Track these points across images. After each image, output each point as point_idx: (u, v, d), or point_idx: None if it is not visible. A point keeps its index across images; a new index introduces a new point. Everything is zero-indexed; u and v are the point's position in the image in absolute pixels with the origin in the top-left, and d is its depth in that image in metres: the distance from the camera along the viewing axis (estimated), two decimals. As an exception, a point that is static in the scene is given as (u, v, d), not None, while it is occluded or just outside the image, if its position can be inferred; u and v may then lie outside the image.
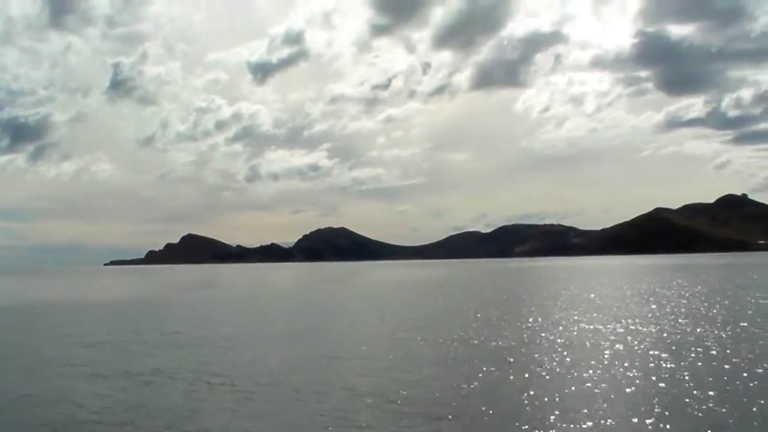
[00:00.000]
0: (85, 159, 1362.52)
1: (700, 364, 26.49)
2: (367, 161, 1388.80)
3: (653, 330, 37.51)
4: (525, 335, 36.52)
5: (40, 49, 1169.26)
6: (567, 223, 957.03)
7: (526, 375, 25.21)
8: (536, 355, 29.53)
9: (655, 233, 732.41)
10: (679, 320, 41.79)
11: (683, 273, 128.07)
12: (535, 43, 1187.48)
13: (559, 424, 18.19)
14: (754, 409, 19.11)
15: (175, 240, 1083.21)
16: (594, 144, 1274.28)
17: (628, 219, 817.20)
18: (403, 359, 29.69)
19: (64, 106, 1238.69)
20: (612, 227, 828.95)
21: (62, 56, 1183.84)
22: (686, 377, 23.81)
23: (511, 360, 28.58)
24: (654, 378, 23.79)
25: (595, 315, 46.32)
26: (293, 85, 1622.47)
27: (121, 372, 28.12)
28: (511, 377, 24.88)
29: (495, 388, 23.07)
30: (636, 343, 32.57)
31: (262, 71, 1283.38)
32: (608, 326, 39.61)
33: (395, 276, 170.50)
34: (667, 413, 18.91)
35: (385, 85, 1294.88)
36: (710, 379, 23.45)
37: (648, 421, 18.17)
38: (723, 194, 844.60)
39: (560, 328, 39.43)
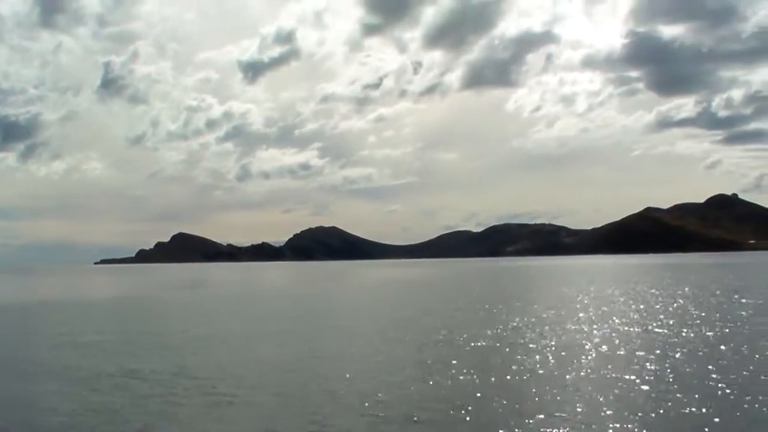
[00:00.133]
0: (75, 158, 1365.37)
1: (683, 364, 26.10)
2: (358, 160, 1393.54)
3: (638, 330, 37.21)
4: (510, 336, 36.08)
5: (30, 48, 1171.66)
6: (558, 222, 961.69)
7: (508, 377, 24.77)
8: (519, 357, 29.09)
9: (645, 233, 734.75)
10: (665, 320, 41.50)
11: (672, 273, 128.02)
12: (527, 42, 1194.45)
13: (539, 428, 17.75)
14: (738, 413, 18.75)
15: (166, 239, 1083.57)
16: (585, 144, 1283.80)
17: (618, 218, 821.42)
18: (386, 360, 29.25)
19: (54, 105, 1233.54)
20: (603, 227, 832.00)
21: (53, 55, 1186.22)
22: (669, 378, 23.45)
23: (494, 362, 28.14)
24: (637, 380, 23.41)
25: (581, 315, 45.98)
26: (284, 84, 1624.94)
27: (97, 373, 27.54)
28: (493, 379, 24.44)
29: (476, 390, 22.59)
30: (621, 343, 32.24)
31: (253, 70, 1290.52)
32: (594, 327, 39.30)
33: (384, 275, 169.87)
34: (651, 415, 18.52)
35: (377, 85, 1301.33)
36: (694, 381, 23.12)
37: (629, 425, 17.73)
38: (713, 194, 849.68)
39: (546, 328, 39.01)
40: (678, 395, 20.89)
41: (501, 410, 19.73)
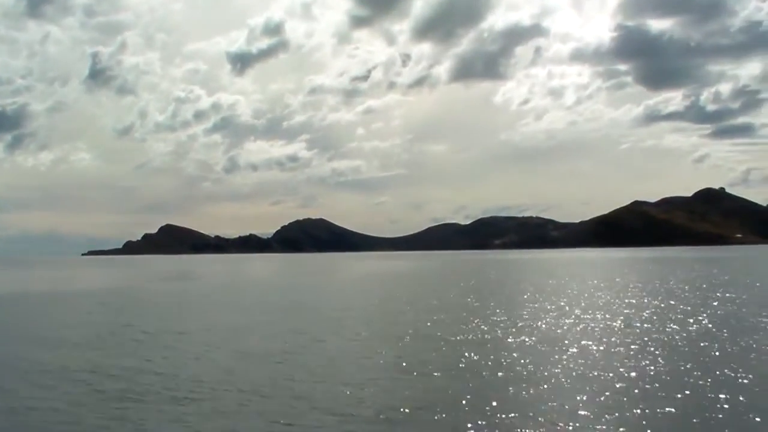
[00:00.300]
0: (63, 149, 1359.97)
1: (662, 360, 25.46)
2: (346, 152, 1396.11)
3: (619, 325, 36.62)
4: (489, 331, 35.34)
5: (18, 38, 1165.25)
6: (546, 215, 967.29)
7: (484, 373, 24.06)
8: (496, 353, 28.35)
9: (633, 226, 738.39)
10: (647, 315, 40.96)
11: (658, 266, 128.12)
12: (515, 35, 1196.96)
13: (511, 427, 17.03)
14: (717, 410, 18.06)
15: (154, 230, 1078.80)
16: (573, 137, 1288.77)
17: (606, 212, 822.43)
18: (363, 356, 28.46)
19: (42, 96, 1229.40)
20: (590, 220, 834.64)
21: (40, 45, 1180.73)
22: (648, 374, 22.78)
23: (471, 358, 27.41)
24: (615, 377, 22.71)
25: (563, 309, 45.33)
26: (273, 75, 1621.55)
27: (53, 370, 26.58)
28: (468, 375, 23.67)
29: (450, 388, 21.83)
30: (601, 339, 31.56)
31: (241, 62, 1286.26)
32: (575, 321, 38.65)
33: (370, 268, 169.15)
34: (627, 414, 17.83)
35: (365, 77, 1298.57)
36: (673, 377, 22.46)
37: (605, 424, 17.02)
38: (701, 188, 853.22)
39: (527, 323, 38.32)
40: (656, 392, 20.26)
41: (472, 408, 18.98)
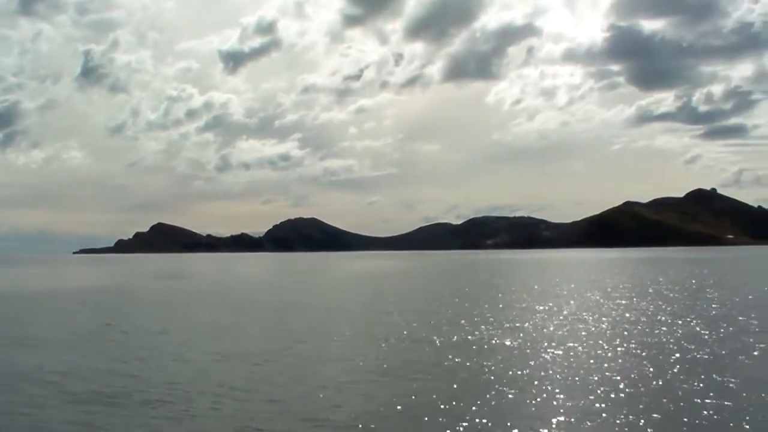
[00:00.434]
0: (54, 147, 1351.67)
1: (648, 362, 24.92)
2: (338, 152, 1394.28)
3: (607, 327, 36.16)
4: (475, 333, 34.72)
5: (9, 36, 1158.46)
6: (537, 215, 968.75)
7: (464, 376, 23.46)
8: (480, 357, 27.78)
9: (625, 227, 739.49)
10: (636, 316, 40.52)
11: (649, 267, 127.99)
12: (508, 35, 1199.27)
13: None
14: (701, 413, 17.50)
15: (145, 229, 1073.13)
16: (565, 137, 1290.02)
17: (598, 212, 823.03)
18: (339, 359, 27.74)
19: (33, 94, 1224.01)
20: (582, 220, 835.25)
21: (32, 43, 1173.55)
22: (633, 376, 22.23)
23: (453, 361, 26.78)
24: (599, 379, 22.16)
25: (552, 310, 44.84)
26: (265, 74, 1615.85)
27: (24, 371, 25.74)
28: (449, 380, 23.07)
29: (430, 393, 21.14)
30: (588, 341, 31.03)
31: (233, 60, 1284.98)
32: (562, 323, 38.19)
33: (360, 267, 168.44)
34: (610, 419, 17.25)
35: (358, 76, 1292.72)
36: (658, 380, 21.91)
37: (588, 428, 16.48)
38: (693, 189, 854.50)
39: (515, 325, 37.83)
40: (641, 396, 19.69)
41: (452, 413, 18.36)
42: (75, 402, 20.67)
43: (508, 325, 37.10)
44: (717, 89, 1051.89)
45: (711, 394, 19.91)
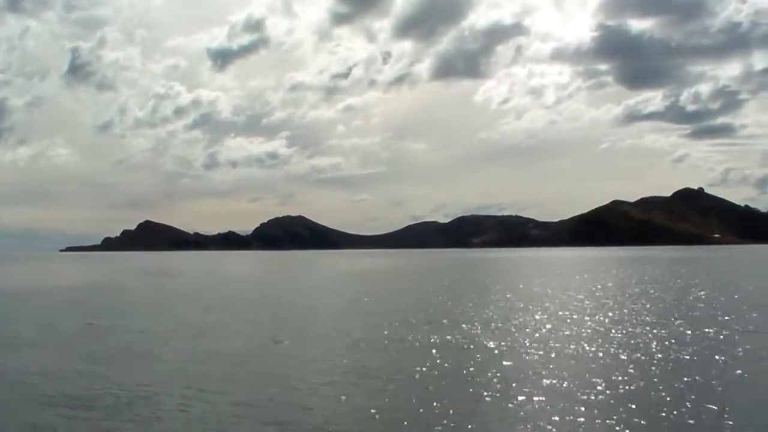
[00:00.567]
0: (41, 144, 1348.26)
1: (632, 363, 24.52)
2: (326, 150, 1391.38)
3: (592, 326, 35.79)
4: (454, 335, 34.23)
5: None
6: (525, 214, 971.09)
7: (443, 382, 22.97)
8: (462, 360, 27.36)
9: (612, 226, 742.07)
10: (621, 316, 40.19)
11: (636, 265, 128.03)
12: (496, 34, 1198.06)
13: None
14: (685, 415, 17.09)
15: (132, 227, 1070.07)
16: (553, 136, 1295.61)
17: (586, 211, 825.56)
18: (316, 360, 27.14)
19: (20, 90, 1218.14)
20: (570, 219, 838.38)
21: (19, 40, 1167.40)
22: (617, 377, 21.77)
23: (434, 364, 26.28)
24: (580, 382, 21.69)
25: (536, 310, 44.48)
26: (253, 72, 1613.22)
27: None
28: (426, 383, 22.61)
29: (405, 396, 20.64)
30: (571, 341, 30.63)
31: (221, 58, 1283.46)
32: (546, 322, 37.83)
33: (346, 266, 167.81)
34: (595, 423, 16.80)
35: (345, 74, 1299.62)
36: (642, 381, 21.47)
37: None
38: (680, 188, 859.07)
39: (498, 325, 37.44)
40: (623, 398, 19.25)
41: (427, 418, 17.87)
42: (42, 404, 20.00)
43: (490, 325, 36.69)
44: (704, 89, 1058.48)
45: (692, 396, 19.51)
